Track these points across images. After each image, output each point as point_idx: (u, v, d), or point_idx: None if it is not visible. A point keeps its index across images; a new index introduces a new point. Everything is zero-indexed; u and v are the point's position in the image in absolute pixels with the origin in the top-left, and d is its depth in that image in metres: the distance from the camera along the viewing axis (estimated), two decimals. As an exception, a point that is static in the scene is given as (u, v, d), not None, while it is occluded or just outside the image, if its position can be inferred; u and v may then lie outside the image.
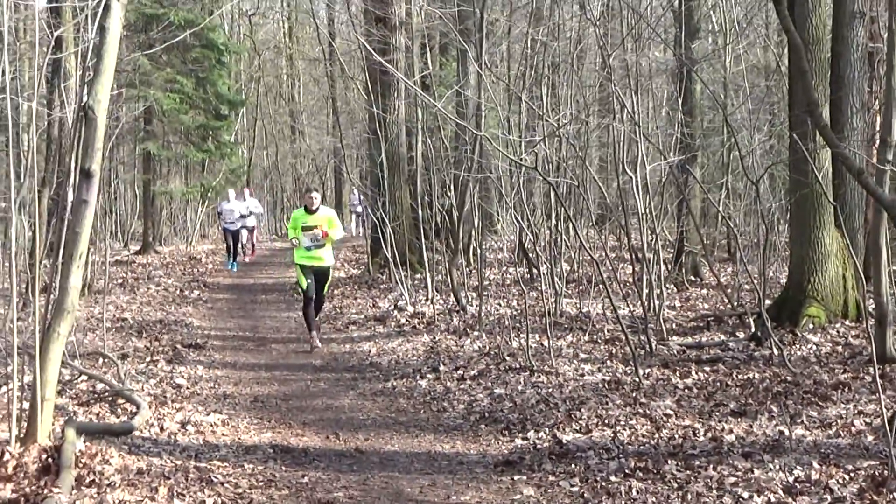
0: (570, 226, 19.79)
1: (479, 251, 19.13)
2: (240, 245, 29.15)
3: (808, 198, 14.26)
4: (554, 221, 18.69)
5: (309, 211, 16.34)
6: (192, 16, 29.60)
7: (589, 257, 21.30)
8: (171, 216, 39.61)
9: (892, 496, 6.92)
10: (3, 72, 8.70)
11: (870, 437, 8.83)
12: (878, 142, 12.97)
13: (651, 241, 16.75)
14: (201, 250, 33.96)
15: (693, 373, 12.22)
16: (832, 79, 14.77)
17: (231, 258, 28.29)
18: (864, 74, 15.41)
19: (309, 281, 15.87)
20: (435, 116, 22.53)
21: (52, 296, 9.04)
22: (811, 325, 14.19)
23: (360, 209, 39.47)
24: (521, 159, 14.54)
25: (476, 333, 15.81)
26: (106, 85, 8.71)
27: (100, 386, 11.87)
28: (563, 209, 17.35)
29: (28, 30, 26.49)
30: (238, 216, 28.03)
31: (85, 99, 8.73)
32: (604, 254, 21.04)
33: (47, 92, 21.06)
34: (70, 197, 13.62)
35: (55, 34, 15.03)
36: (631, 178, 15.63)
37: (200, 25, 25.70)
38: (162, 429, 10.15)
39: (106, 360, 13.46)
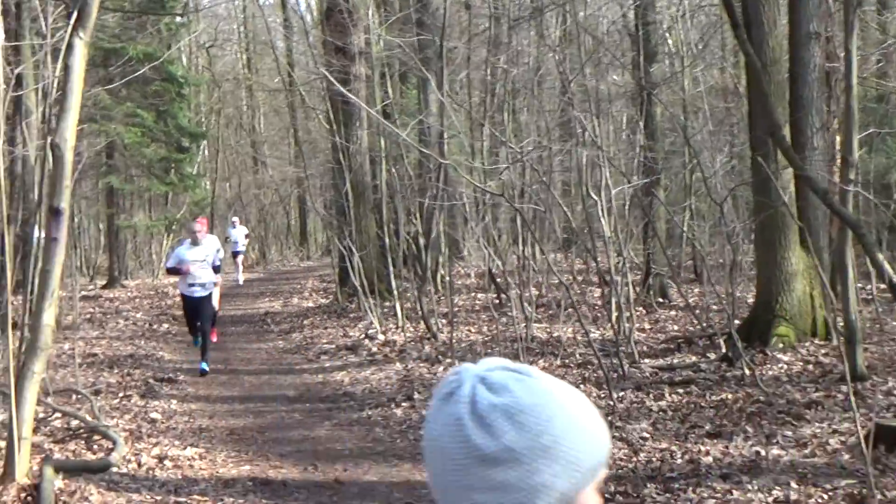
0: (538, 250, 19.88)
1: (448, 278, 19.19)
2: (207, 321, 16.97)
3: (774, 218, 14.38)
4: (521, 246, 18.73)
5: None
6: (150, 49, 29.55)
7: (557, 281, 21.49)
8: (135, 250, 39.48)
9: (871, 514, 7.00)
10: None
11: (846, 456, 8.91)
12: (839, 161, 13.13)
13: (618, 263, 16.83)
14: (168, 283, 33.81)
15: (667, 395, 12.28)
16: (791, 99, 14.94)
17: (202, 352, 16.66)
18: (822, 94, 15.59)
19: None
20: (398, 144, 22.59)
21: (23, 334, 9.04)
22: (781, 345, 14.29)
23: (241, 247, 34.68)
24: (487, 186, 14.64)
25: (448, 360, 15.83)
26: (72, 123, 8.75)
27: (74, 422, 11.83)
28: (529, 234, 17.43)
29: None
30: (205, 274, 16.43)
31: (51, 137, 8.75)
32: (571, 277, 21.18)
33: (9, 129, 21.01)
34: (35, 234, 13.64)
35: (15, 72, 15.02)
36: (596, 201, 15.73)
37: (161, 59, 25.66)
38: (139, 464, 10.14)
39: (79, 397, 13.41)
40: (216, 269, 16.81)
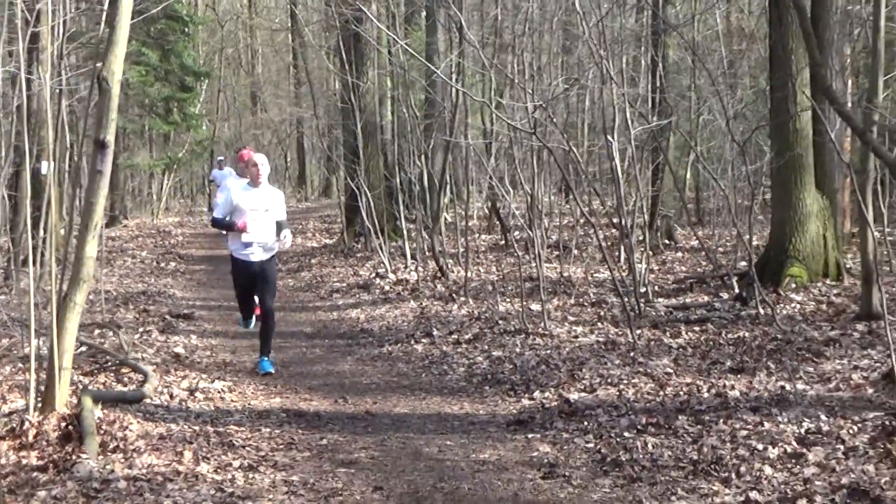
0: (543, 191, 19.97)
1: (465, 220, 19.35)
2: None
3: (790, 160, 14.52)
4: (535, 186, 18.80)
5: None
6: (157, -14, 29.44)
7: (566, 222, 21.65)
8: (135, 190, 39.45)
9: (904, 444, 7.18)
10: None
11: (870, 390, 9.09)
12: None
13: (631, 205, 16.94)
14: (168, 223, 33.94)
15: (683, 333, 12.47)
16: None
17: (263, 341, 11.94)
18: (842, 37, 15.69)
19: None
20: (405, 85, 22.64)
21: (39, 267, 9.14)
22: (793, 285, 14.47)
23: None
24: (526, 125, 14.73)
25: (462, 299, 16.01)
26: (120, 56, 8.77)
27: (100, 355, 11.96)
28: (544, 174, 17.52)
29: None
30: (266, 231, 11.65)
31: (99, 70, 8.78)
32: (576, 219, 21.32)
33: (26, 65, 20.92)
34: (43, 170, 13.69)
35: (36, 8, 14.99)
36: (611, 142, 15.80)
37: (170, -1, 25.58)
38: (171, 396, 10.29)
39: (102, 330, 13.55)
40: (279, 225, 11.64)
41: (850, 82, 16.95)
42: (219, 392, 10.59)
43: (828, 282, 14.77)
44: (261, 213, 11.45)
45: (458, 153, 24.37)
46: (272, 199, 11.57)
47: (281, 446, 8.53)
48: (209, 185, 35.30)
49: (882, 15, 11.21)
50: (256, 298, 12.03)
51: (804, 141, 14.55)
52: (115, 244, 27.38)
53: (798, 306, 13.59)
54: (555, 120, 16.97)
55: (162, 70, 32.22)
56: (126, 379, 10.97)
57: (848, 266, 15.43)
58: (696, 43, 22.91)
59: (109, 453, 7.94)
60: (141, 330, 14.27)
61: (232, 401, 10.33)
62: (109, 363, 11.56)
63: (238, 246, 11.63)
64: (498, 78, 20.54)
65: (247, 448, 8.39)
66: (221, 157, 32.34)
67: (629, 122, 15.04)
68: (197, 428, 8.96)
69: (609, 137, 15.18)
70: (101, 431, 8.37)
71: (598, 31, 15.35)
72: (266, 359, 11.82)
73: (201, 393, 10.48)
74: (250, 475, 7.63)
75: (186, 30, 33.18)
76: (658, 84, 19.48)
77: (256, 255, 11.58)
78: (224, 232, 12.96)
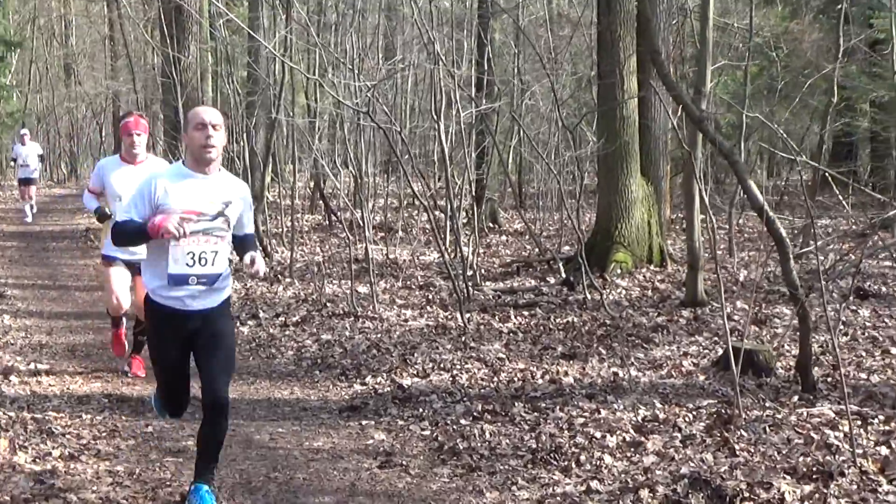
0: (372, 172, 19.84)
1: (291, 198, 19.06)
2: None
3: (618, 147, 14.66)
4: (364, 167, 18.62)
5: None
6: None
7: (391, 204, 21.53)
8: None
9: (740, 433, 7.23)
10: None
11: (701, 377, 9.18)
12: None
13: (458, 187, 16.89)
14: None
15: (512, 317, 12.46)
16: (639, 29, 15.20)
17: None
18: (668, 26, 15.91)
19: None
20: (227, 61, 22.20)
21: None
22: (619, 270, 14.64)
23: (33, 172, 26.90)
24: (355, 104, 14.53)
25: (288, 280, 15.74)
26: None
27: None
28: (369, 154, 17.35)
29: None
30: (217, 251, 5.90)
31: None
32: (398, 201, 21.21)
33: None
34: None
35: None
36: (439, 124, 15.72)
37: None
38: (-17, 380, 9.80)
39: None
40: (243, 244, 6.47)
41: (671, 71, 17.15)
42: (35, 375, 10.12)
43: (652, 267, 15.01)
44: (206, 221, 6.09)
45: (281, 131, 24.05)
46: (230, 194, 6.20)
47: (104, 434, 8.16)
48: (11, 164, 31.92)
49: (711, 5, 11.37)
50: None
51: (630, 128, 14.72)
52: (-84, 220, 26.27)
53: (624, 292, 13.75)
54: (380, 101, 16.83)
55: (-30, 38, 30.93)
56: (-66, 362, 10.44)
57: (670, 252, 15.70)
58: (523, 28, 23.05)
59: (-83, 443, 7.50)
60: (-52, 309, 13.65)
61: (50, 385, 9.87)
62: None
63: (159, 280, 6.20)
64: (324, 56, 20.28)
65: (67, 436, 8.01)
66: (25, 131, 28.52)
67: (456, 105, 14.95)
68: (12, 414, 8.52)
69: (437, 120, 15.12)
70: None
71: (427, 13, 15.22)
72: (204, 486, 6.35)
73: (16, 376, 10.00)
74: (72, 465, 7.28)
75: (-4, -3, 31.91)
76: (485, 67, 19.47)
77: (198, 298, 6.21)
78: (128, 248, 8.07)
